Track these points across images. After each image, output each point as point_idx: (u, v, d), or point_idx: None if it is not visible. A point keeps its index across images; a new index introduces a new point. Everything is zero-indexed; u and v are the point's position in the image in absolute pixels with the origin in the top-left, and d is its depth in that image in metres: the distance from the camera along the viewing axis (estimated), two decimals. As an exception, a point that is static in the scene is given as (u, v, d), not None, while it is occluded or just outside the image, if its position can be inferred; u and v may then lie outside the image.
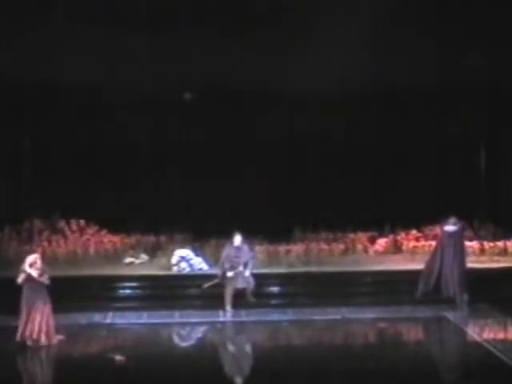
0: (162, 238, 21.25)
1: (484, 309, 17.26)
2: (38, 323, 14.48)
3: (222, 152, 22.31)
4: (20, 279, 14.54)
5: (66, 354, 14.47)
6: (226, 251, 17.56)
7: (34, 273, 14.48)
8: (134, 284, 18.67)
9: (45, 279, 14.55)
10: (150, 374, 13.16)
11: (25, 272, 14.51)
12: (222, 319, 16.87)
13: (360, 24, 20.84)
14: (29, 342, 14.45)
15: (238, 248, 17.51)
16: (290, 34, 21.29)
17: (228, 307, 17.11)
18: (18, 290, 14.71)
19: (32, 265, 14.55)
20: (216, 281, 17.42)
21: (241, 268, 17.33)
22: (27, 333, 14.45)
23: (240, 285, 17.32)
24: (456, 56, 21.77)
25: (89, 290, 17.85)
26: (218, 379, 13.02)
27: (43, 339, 14.49)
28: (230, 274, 17.26)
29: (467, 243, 20.83)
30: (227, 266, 17.32)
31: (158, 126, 22.32)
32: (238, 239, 17.53)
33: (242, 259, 17.42)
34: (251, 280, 17.45)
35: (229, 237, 18.42)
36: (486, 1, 21.40)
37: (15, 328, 14.62)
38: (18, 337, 14.51)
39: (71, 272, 18.19)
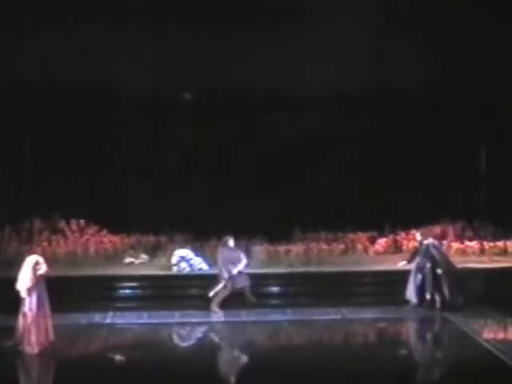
0: (162, 238, 21.27)
1: (484, 309, 17.26)
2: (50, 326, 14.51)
3: (222, 152, 22.32)
4: (23, 293, 14.29)
5: (66, 354, 14.46)
6: (223, 254, 17.53)
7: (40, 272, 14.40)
8: (133, 284, 18.68)
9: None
10: (150, 374, 13.15)
11: (30, 280, 14.36)
12: (222, 319, 16.87)
13: (360, 25, 20.86)
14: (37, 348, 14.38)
15: (232, 249, 17.51)
16: (291, 34, 21.30)
17: (215, 308, 17.09)
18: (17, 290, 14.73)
19: (35, 267, 14.45)
20: (221, 285, 17.32)
21: (236, 269, 17.32)
22: (43, 339, 14.38)
23: (239, 285, 17.31)
24: (456, 56, 21.78)
25: (89, 290, 17.85)
26: (218, 379, 13.03)
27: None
28: (226, 276, 17.22)
29: (467, 243, 20.91)
30: (227, 268, 17.28)
31: (157, 125, 22.31)
32: (231, 241, 17.53)
33: (237, 260, 17.43)
34: (246, 280, 17.40)
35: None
36: (486, 2, 21.41)
37: (15, 328, 14.57)
38: (40, 347, 14.27)
39: (71, 272, 18.19)
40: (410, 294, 17.24)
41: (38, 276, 14.33)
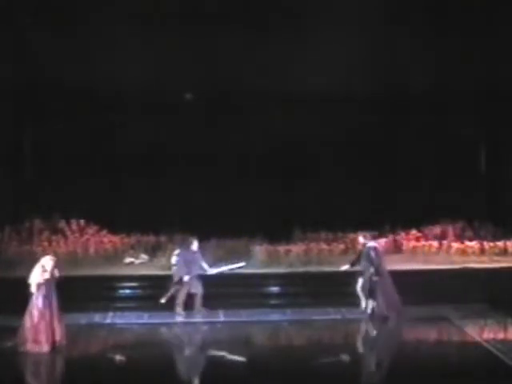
0: (162, 238, 21.27)
1: (484, 309, 17.27)
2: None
3: (221, 152, 22.32)
4: (33, 288, 14.32)
5: (66, 354, 14.46)
6: (183, 256, 17.45)
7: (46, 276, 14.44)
8: (133, 284, 18.69)
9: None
10: (150, 374, 13.16)
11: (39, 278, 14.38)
12: (222, 319, 16.88)
13: (360, 24, 20.86)
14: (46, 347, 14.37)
15: (194, 253, 17.47)
16: (291, 33, 21.30)
17: (179, 309, 17.10)
18: (17, 290, 14.73)
19: (44, 269, 14.46)
20: (173, 290, 17.25)
21: (195, 272, 17.28)
22: (52, 338, 14.38)
23: (193, 290, 17.29)
24: (456, 56, 21.78)
25: (89, 290, 17.85)
26: (218, 379, 13.02)
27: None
28: (186, 278, 17.19)
29: (467, 243, 20.88)
30: (184, 270, 17.25)
31: (158, 125, 22.31)
32: (195, 244, 17.49)
33: (198, 264, 17.40)
34: (200, 286, 17.34)
35: (229, 237, 18.51)
36: (486, 2, 21.42)
37: (15, 328, 14.59)
38: (49, 346, 14.32)
39: (71, 272, 18.18)
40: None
41: (45, 279, 14.36)
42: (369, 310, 16.75)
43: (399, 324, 16.51)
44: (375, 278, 16.63)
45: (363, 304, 16.86)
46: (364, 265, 16.87)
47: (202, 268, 17.43)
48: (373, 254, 16.83)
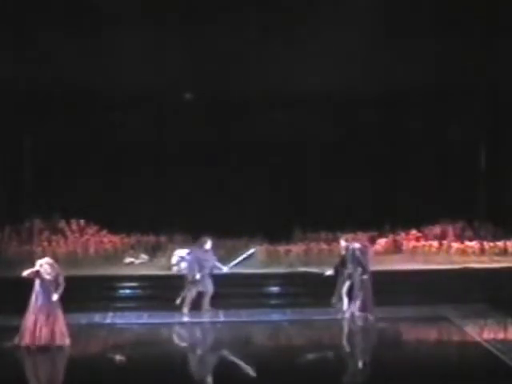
0: (162, 238, 21.28)
1: (484, 309, 17.27)
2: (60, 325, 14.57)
3: (222, 152, 22.32)
4: (26, 272, 14.45)
5: (66, 354, 14.45)
6: (195, 255, 17.44)
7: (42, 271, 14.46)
8: (133, 284, 18.71)
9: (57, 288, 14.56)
10: (150, 374, 13.15)
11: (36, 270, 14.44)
12: (222, 319, 16.88)
13: (360, 24, 20.86)
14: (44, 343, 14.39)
15: (207, 252, 17.46)
16: (291, 33, 21.30)
17: (186, 310, 17.09)
18: (17, 290, 14.73)
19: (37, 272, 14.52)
20: (187, 290, 17.21)
21: (207, 271, 17.28)
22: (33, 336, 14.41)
23: (201, 288, 17.27)
24: (456, 56, 21.77)
25: (89, 290, 17.85)
26: (218, 379, 13.02)
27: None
28: (198, 276, 17.19)
29: (467, 243, 20.91)
30: (196, 269, 17.24)
31: (158, 125, 22.32)
32: (208, 244, 17.47)
33: (210, 263, 17.39)
34: (211, 285, 17.35)
35: (229, 237, 18.48)
36: (486, 1, 21.42)
37: (15, 328, 14.59)
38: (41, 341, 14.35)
39: (71, 272, 18.16)
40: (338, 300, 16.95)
41: (39, 272, 14.41)
42: (353, 311, 16.71)
43: (371, 323, 16.50)
44: (365, 277, 16.62)
45: (345, 306, 16.80)
46: (351, 267, 16.80)
47: (216, 267, 17.43)
48: (358, 253, 16.81)
